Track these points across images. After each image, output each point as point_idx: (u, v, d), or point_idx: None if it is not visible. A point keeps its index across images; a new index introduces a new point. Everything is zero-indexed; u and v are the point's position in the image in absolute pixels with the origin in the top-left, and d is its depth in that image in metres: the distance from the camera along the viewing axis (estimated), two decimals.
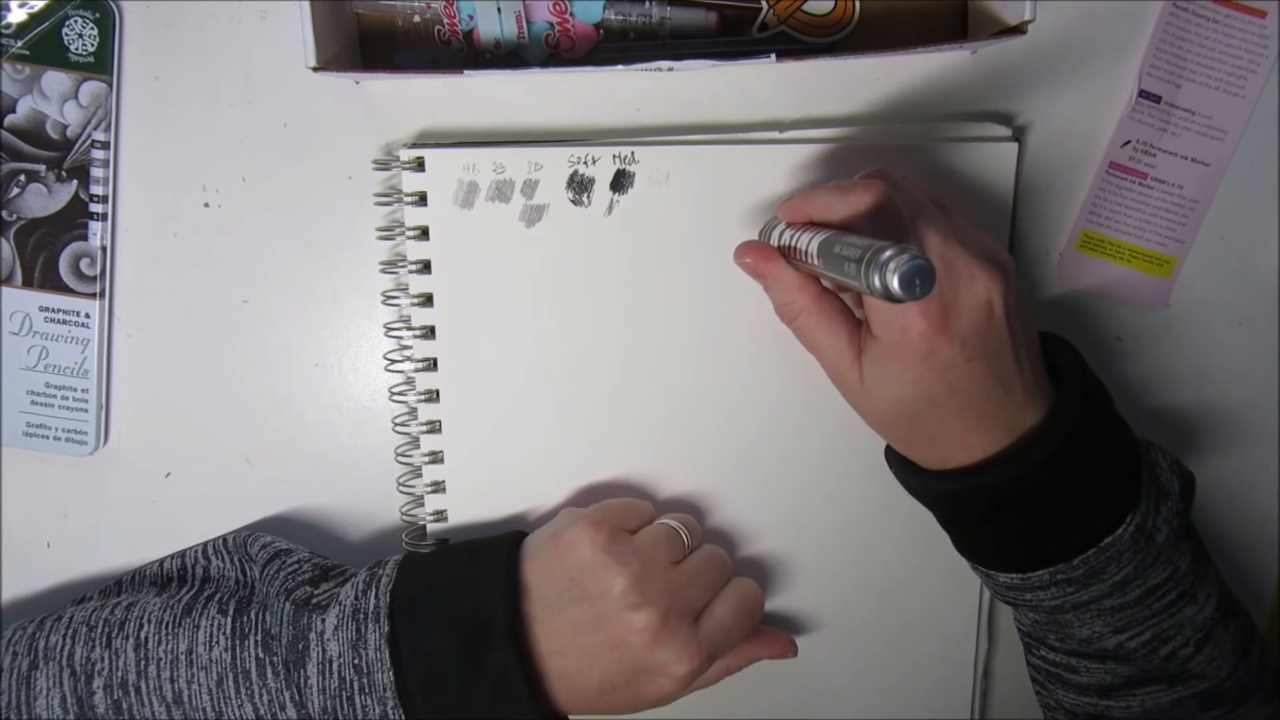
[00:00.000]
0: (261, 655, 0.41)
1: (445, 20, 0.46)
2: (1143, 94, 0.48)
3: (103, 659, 0.42)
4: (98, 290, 0.47)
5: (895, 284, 0.32)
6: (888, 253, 0.32)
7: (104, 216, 0.46)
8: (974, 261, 0.38)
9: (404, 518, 0.49)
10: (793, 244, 0.41)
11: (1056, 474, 0.39)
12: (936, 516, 0.44)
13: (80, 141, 0.46)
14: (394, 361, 0.47)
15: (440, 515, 0.48)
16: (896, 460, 0.44)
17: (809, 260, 0.39)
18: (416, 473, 0.48)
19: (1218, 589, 0.43)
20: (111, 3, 0.45)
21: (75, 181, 0.46)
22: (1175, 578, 0.41)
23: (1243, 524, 0.52)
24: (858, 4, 0.46)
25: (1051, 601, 0.41)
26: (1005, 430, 0.39)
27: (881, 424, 0.42)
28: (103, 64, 0.45)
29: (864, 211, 0.38)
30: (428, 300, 0.46)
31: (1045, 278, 0.50)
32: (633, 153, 0.45)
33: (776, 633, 0.49)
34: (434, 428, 0.47)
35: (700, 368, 0.48)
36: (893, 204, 0.38)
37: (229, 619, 0.42)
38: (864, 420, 0.43)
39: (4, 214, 0.46)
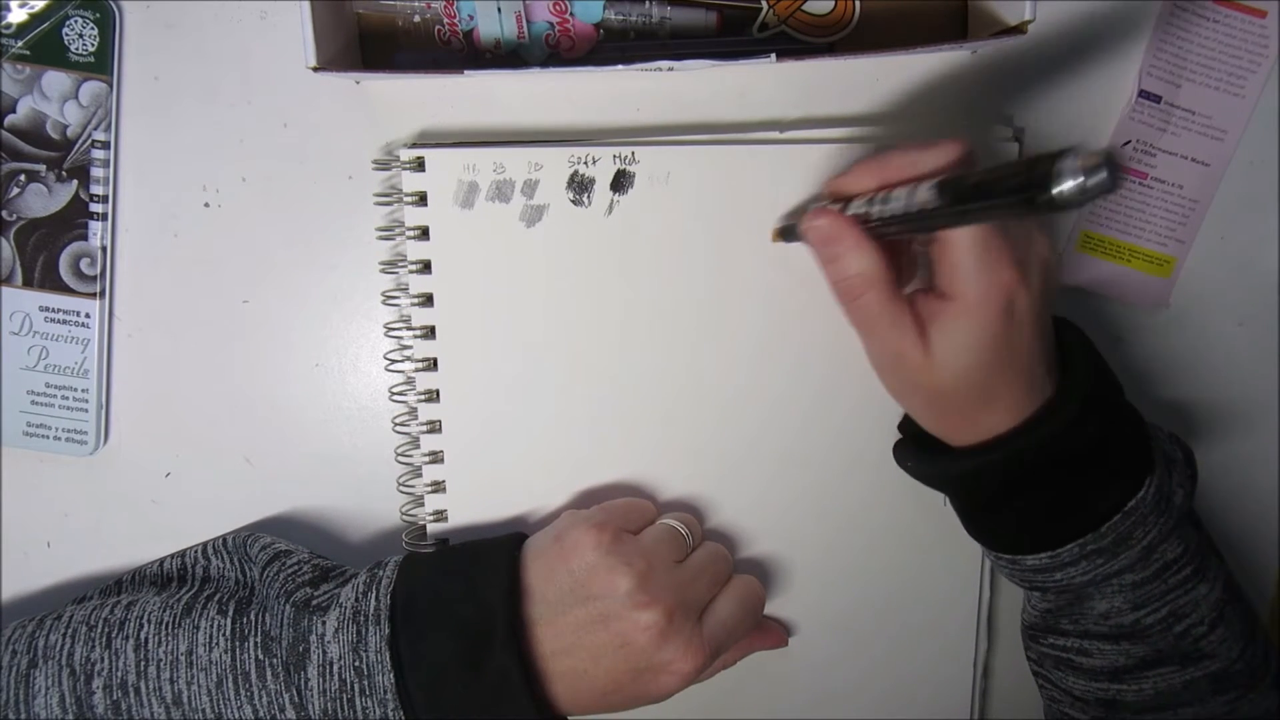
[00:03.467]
0: (261, 657, 0.41)
1: (445, 20, 0.46)
2: (1143, 94, 0.48)
3: (102, 659, 0.42)
4: (98, 290, 0.47)
5: (1104, 175, 0.28)
6: (1069, 154, 0.29)
7: (104, 216, 0.46)
8: (1033, 223, 0.39)
9: (404, 518, 0.49)
10: (877, 209, 0.39)
11: (1082, 435, 0.40)
12: (960, 505, 0.44)
13: (80, 141, 0.46)
14: (394, 361, 0.47)
15: (440, 515, 0.48)
16: (913, 453, 0.44)
17: (911, 210, 0.37)
18: (416, 473, 0.48)
19: (1224, 573, 0.43)
20: (111, 3, 0.45)
21: (75, 181, 0.46)
22: (1189, 553, 0.42)
23: (1243, 523, 0.52)
24: (858, 4, 0.46)
25: (1081, 577, 0.41)
26: (1039, 394, 0.40)
27: (942, 400, 0.41)
28: (103, 64, 0.45)
29: (955, 161, 0.38)
30: (428, 300, 0.46)
31: None
32: (633, 153, 0.45)
33: (769, 624, 0.49)
34: (434, 428, 0.47)
35: (701, 368, 0.47)
36: (974, 158, 0.38)
37: (229, 620, 0.42)
38: (914, 405, 0.42)
39: (4, 214, 0.46)
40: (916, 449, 0.44)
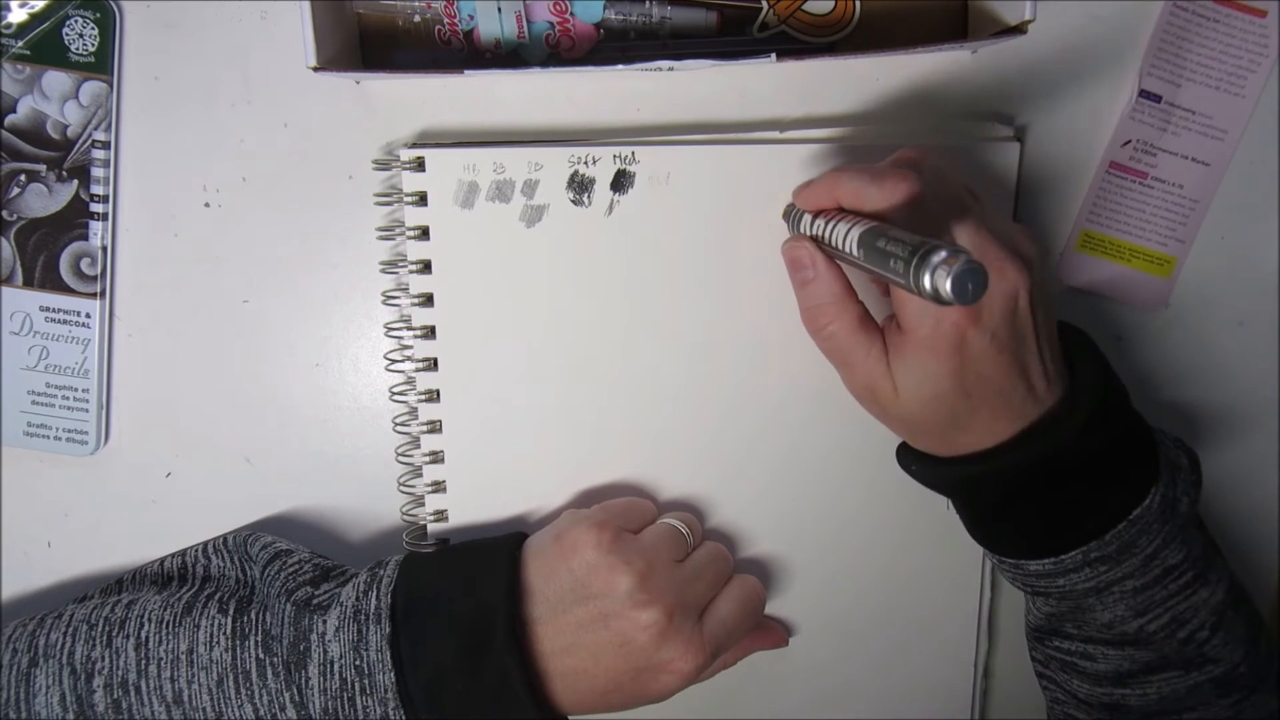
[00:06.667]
0: (262, 656, 0.41)
1: (445, 20, 0.46)
2: (1143, 94, 0.48)
3: (103, 658, 0.42)
4: (98, 290, 0.47)
5: (948, 287, 0.31)
6: (940, 254, 0.31)
7: (104, 216, 0.46)
8: (1003, 255, 0.38)
9: (404, 518, 0.49)
10: (827, 234, 0.39)
11: (1084, 447, 0.39)
12: (962, 509, 0.44)
13: (81, 141, 0.46)
14: (394, 361, 0.47)
15: (441, 515, 0.48)
16: (916, 458, 0.44)
17: (846, 250, 0.38)
18: (417, 472, 0.48)
19: (1227, 576, 0.43)
20: (112, 3, 0.45)
21: (76, 181, 0.46)
22: (1190, 559, 0.42)
23: (1243, 524, 0.52)
24: (858, 4, 0.46)
25: (1085, 584, 0.41)
26: (1027, 415, 0.40)
27: (915, 425, 0.41)
28: (103, 64, 0.45)
29: (899, 204, 0.37)
30: (428, 300, 0.46)
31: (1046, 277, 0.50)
32: (633, 153, 0.45)
33: (769, 624, 0.49)
34: (434, 428, 0.47)
35: (701, 368, 0.48)
36: (925, 198, 0.38)
37: (229, 619, 0.42)
38: (893, 427, 0.42)
39: (4, 214, 0.46)
40: (918, 454, 0.44)
